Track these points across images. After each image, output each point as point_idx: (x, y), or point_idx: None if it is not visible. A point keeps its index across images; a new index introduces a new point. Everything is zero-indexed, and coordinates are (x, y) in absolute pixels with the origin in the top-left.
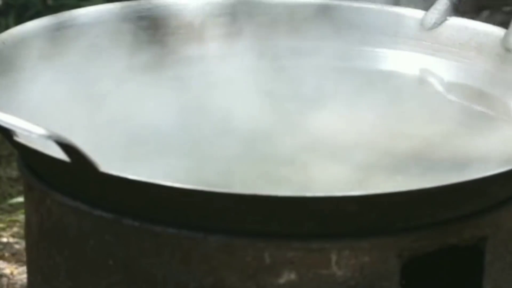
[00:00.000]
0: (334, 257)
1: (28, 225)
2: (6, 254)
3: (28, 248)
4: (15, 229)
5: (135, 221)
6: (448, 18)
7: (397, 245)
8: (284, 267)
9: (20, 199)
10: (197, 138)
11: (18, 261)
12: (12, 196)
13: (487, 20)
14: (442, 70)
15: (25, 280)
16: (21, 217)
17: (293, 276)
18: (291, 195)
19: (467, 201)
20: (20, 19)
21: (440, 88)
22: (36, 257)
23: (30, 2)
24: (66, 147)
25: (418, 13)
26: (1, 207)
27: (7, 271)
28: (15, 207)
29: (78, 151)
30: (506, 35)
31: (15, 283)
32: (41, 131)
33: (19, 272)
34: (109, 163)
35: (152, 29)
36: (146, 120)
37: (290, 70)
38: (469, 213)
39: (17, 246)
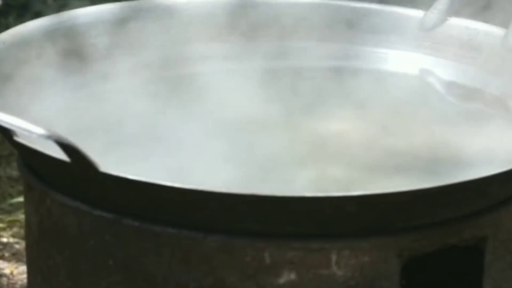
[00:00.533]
0: (334, 257)
1: (28, 225)
2: (6, 254)
3: (28, 248)
4: (15, 229)
5: (135, 221)
6: (448, 18)
7: (397, 245)
8: (284, 267)
9: (20, 199)
10: (198, 139)
11: (18, 261)
12: (12, 196)
13: (487, 20)
14: (442, 70)
15: (25, 280)
16: (21, 217)
17: (293, 276)
18: (291, 195)
19: (467, 201)
20: (20, 19)
21: (440, 88)
22: (36, 257)
23: (30, 2)
24: (66, 147)
25: (418, 13)
26: (1, 207)
27: (7, 271)
28: (15, 207)
29: (78, 151)
30: (506, 35)
31: (15, 283)
32: (41, 131)
33: (19, 272)
34: (110, 164)
35: (152, 29)
36: (146, 121)
37: (290, 70)
38: (469, 213)
39: (17, 246)
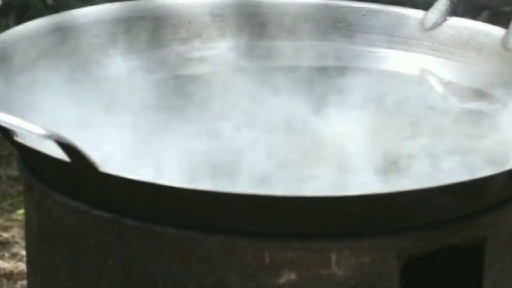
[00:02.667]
0: (334, 257)
1: (28, 225)
2: (6, 254)
3: (28, 248)
4: (15, 229)
5: (135, 221)
6: (448, 18)
7: (397, 245)
8: (284, 267)
9: (20, 199)
10: (198, 140)
11: (18, 261)
12: (12, 196)
13: (487, 20)
14: (442, 70)
15: (25, 280)
16: (21, 217)
17: (293, 276)
18: (291, 195)
19: (467, 201)
20: (20, 19)
21: (440, 88)
22: (36, 257)
23: (30, 2)
24: (66, 147)
25: (418, 13)
26: (1, 207)
27: (7, 271)
28: (15, 207)
29: (78, 151)
30: (506, 35)
31: (15, 283)
32: (41, 131)
33: (19, 272)
34: (109, 164)
35: (152, 29)
36: (146, 121)
37: (290, 71)
38: (469, 213)
39: (17, 246)
